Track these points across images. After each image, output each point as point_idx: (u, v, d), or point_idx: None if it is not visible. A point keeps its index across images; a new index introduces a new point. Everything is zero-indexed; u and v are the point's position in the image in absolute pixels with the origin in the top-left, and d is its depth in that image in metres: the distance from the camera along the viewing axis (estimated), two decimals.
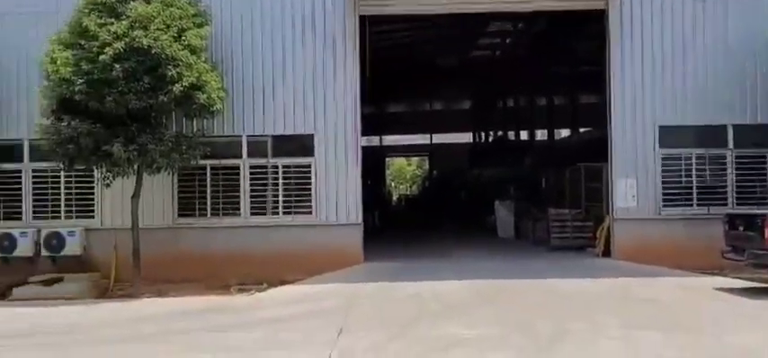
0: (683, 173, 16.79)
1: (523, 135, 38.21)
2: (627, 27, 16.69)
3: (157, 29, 13.61)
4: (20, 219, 16.44)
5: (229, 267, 15.70)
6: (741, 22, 16.66)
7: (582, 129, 32.09)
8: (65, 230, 16.04)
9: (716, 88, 16.63)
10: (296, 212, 16.62)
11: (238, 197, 16.59)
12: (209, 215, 16.58)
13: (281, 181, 16.66)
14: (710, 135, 16.81)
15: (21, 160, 16.53)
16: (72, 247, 15.98)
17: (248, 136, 16.58)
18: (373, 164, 34.01)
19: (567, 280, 14.44)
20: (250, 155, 16.61)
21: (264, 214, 16.60)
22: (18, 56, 16.20)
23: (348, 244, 16.31)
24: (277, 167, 16.66)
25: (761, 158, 16.76)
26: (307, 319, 11.51)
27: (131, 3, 13.85)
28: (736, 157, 16.82)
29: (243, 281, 15.23)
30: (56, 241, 15.95)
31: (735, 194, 16.72)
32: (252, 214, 16.59)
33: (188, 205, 16.59)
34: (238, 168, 16.60)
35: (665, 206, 16.62)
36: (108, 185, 14.96)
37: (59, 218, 16.44)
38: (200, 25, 14.64)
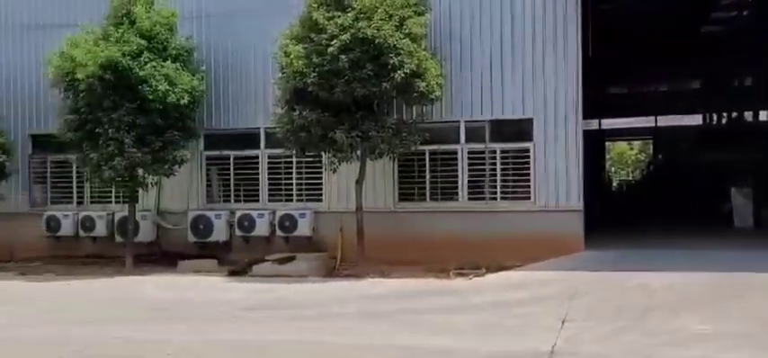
0: None
1: (763, 116, 34.82)
2: None
3: (380, 19, 14.07)
4: (257, 201, 17.81)
5: (447, 251, 15.91)
6: None
7: None
8: (296, 212, 17.14)
9: None
10: (514, 197, 16.46)
11: (456, 182, 16.76)
12: (427, 199, 16.92)
13: (498, 166, 16.58)
14: None
15: (258, 147, 17.86)
16: (303, 228, 17.04)
17: (466, 121, 16.66)
18: (592, 148, 32.83)
19: None
20: (468, 140, 16.69)
21: (482, 199, 16.62)
22: (255, 51, 17.48)
23: (568, 230, 15.86)
24: (495, 152, 16.60)
25: None
26: (528, 306, 11.37)
27: None
28: None
29: (461, 265, 15.36)
30: (289, 222, 17.10)
31: None
32: (469, 199, 16.68)
33: (408, 190, 17.04)
34: (456, 153, 16.75)
35: None
36: (334, 171, 15.78)
37: (291, 201, 17.60)
38: (420, 13, 14.94)
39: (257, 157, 17.85)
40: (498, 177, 16.57)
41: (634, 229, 22.34)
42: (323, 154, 15.78)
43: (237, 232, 17.42)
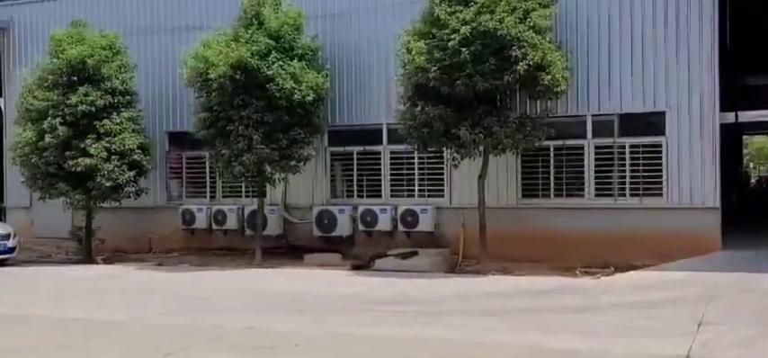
0: None
1: None
2: None
3: (503, 11, 13.87)
4: (380, 196, 18.00)
5: (573, 249, 15.51)
6: None
7: None
8: (418, 208, 17.20)
9: None
10: (644, 194, 15.82)
11: (582, 178, 16.28)
12: (552, 196, 16.54)
13: (627, 161, 15.97)
14: None
15: (380, 143, 18.04)
16: (424, 224, 17.07)
17: (593, 115, 16.14)
18: (729, 142, 31.05)
19: None
20: (595, 134, 16.17)
21: (610, 196, 16.07)
22: (377, 48, 17.67)
23: (703, 229, 15.07)
24: (624, 147, 15.99)
25: None
26: (660, 307, 10.88)
27: None
28: None
29: (587, 263, 14.94)
30: (411, 218, 17.18)
31: None
32: (596, 195, 16.16)
33: (531, 185, 16.72)
34: (582, 148, 16.27)
35: None
36: (456, 166, 15.71)
37: (413, 196, 17.67)
38: (545, 6, 14.60)
39: (380, 153, 18.03)
40: (627, 173, 15.97)
41: None
42: (445, 149, 15.75)
43: (360, 227, 17.68)
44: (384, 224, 17.42)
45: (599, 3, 16.01)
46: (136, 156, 17.76)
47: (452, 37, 13.94)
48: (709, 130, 15.26)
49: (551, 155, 16.45)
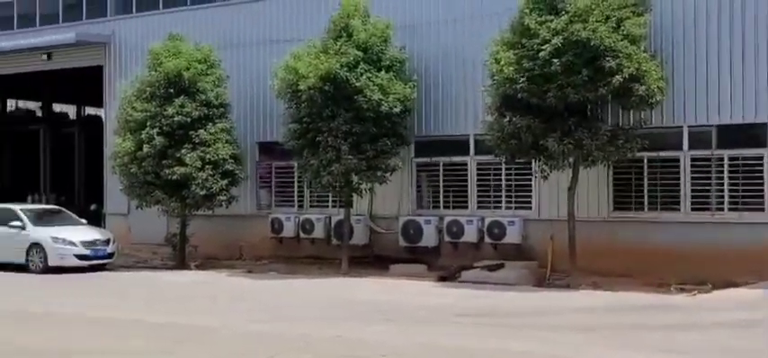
0: None
1: None
2: None
3: (596, 21, 13.56)
4: (466, 207, 17.87)
5: (666, 264, 14.96)
6: None
7: None
8: (505, 220, 16.97)
9: None
10: (744, 209, 15.12)
11: (678, 191, 15.69)
12: (645, 209, 16.01)
13: (726, 174, 15.30)
14: None
15: (467, 154, 17.91)
16: (512, 236, 16.83)
17: (690, 126, 15.56)
18: None
19: None
20: (691, 146, 15.57)
21: (707, 210, 15.43)
22: (464, 59, 17.56)
23: None
24: (722, 159, 15.34)
25: None
26: (762, 327, 10.36)
27: None
28: None
29: (682, 279, 14.38)
30: (497, 229, 16.98)
31: None
32: (693, 209, 15.55)
33: (623, 198, 16.24)
34: (678, 161, 15.69)
35: None
36: (545, 178, 15.44)
37: (500, 208, 17.46)
38: (639, 14, 14.21)
39: (466, 164, 17.91)
40: (726, 187, 15.30)
41: None
42: (533, 161, 15.51)
43: (446, 238, 17.59)
44: (470, 235, 17.27)
45: (696, 9, 15.43)
46: (228, 166, 18.25)
47: (543, 47, 13.72)
48: None
49: (645, 167, 15.95)
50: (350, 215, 17.71)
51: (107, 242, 18.76)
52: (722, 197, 15.34)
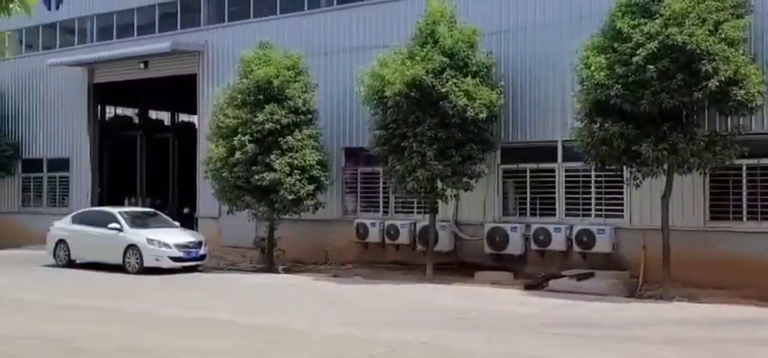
0: None
1: None
2: None
3: (692, 24, 13.10)
4: (553, 215, 17.55)
5: (767, 277, 14.29)
6: None
7: None
8: (595, 228, 16.58)
9: None
10: None
11: None
12: (744, 219, 15.36)
13: None
14: None
15: (555, 160, 17.61)
16: (602, 245, 16.43)
17: None
18: None
19: None
20: None
21: None
22: (553, 64, 17.28)
23: None
24: None
25: None
26: None
27: (665, 0, 13.58)
28: None
29: None
30: (586, 238, 16.60)
31: None
32: None
33: (721, 207, 15.61)
34: None
35: None
36: (637, 186, 15.00)
37: (589, 215, 17.07)
38: (739, 16, 13.64)
39: (554, 171, 17.61)
40: None
41: None
42: (625, 168, 15.10)
43: (533, 246, 17.33)
44: (558, 243, 16.95)
45: None
46: (315, 172, 18.53)
47: (637, 52, 13.34)
48: None
49: (744, 175, 15.30)
50: (435, 221, 17.68)
51: (199, 244, 19.34)
52: None
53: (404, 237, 19.00)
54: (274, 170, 17.96)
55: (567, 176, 17.41)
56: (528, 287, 15.67)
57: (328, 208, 20.00)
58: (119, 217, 19.67)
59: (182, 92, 25.80)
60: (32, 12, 6.93)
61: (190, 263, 18.95)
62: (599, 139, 14.27)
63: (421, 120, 16.28)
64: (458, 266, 18.19)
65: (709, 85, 12.98)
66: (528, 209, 17.95)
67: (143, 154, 29.13)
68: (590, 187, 17.08)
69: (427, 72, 16.03)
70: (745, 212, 15.35)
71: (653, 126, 13.79)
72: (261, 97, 18.53)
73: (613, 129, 13.91)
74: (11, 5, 6.31)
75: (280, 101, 18.48)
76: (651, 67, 13.18)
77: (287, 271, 19.04)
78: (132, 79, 25.54)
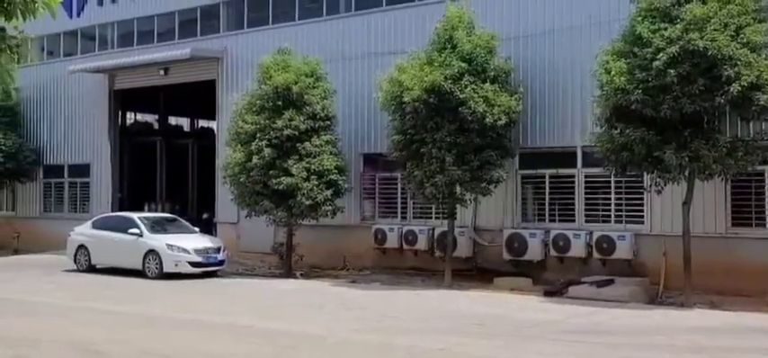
0: None
1: None
2: None
3: (714, 29, 12.98)
4: (573, 221, 17.45)
5: None
6: None
7: None
8: (615, 234, 16.46)
9: None
10: None
11: None
12: (767, 225, 15.18)
13: None
14: None
15: (574, 166, 17.50)
16: (622, 251, 16.30)
17: None
18: None
19: None
20: None
21: None
22: (572, 69, 17.20)
23: None
24: None
25: None
26: None
27: (686, 5, 13.48)
28: None
29: None
30: (606, 244, 16.48)
31: None
32: None
33: (743, 213, 15.45)
34: None
35: None
36: (659, 192, 14.87)
37: (609, 222, 16.95)
38: (761, 21, 13.49)
39: (573, 176, 17.51)
40: None
41: None
42: (645, 174, 14.98)
43: (552, 252, 17.24)
44: (577, 250, 16.85)
45: None
46: (333, 177, 18.54)
47: (658, 57, 13.23)
48: None
49: (766, 180, 15.14)
50: (453, 226, 17.62)
51: (218, 250, 19.42)
52: None
53: (422, 243, 18.96)
54: (292, 175, 17.99)
55: (586, 182, 17.31)
56: (547, 293, 15.58)
57: (347, 213, 20.00)
58: (138, 222, 19.80)
59: (201, 98, 25.96)
60: (57, 14, 7.03)
61: (209, 268, 19.03)
62: (619, 145, 14.16)
63: (439, 125, 16.25)
64: (476, 272, 18.13)
65: (731, 89, 12.85)
66: (547, 215, 17.86)
67: (163, 159, 29.30)
68: (610, 193, 16.97)
69: (446, 78, 15.99)
70: (767, 219, 15.16)
71: (674, 131, 13.66)
72: (280, 103, 18.57)
73: (635, 134, 13.78)
74: (35, 5, 6.43)
75: (298, 107, 18.51)
76: (672, 71, 13.06)
77: (305, 276, 19.07)
78: (152, 85, 25.75)
